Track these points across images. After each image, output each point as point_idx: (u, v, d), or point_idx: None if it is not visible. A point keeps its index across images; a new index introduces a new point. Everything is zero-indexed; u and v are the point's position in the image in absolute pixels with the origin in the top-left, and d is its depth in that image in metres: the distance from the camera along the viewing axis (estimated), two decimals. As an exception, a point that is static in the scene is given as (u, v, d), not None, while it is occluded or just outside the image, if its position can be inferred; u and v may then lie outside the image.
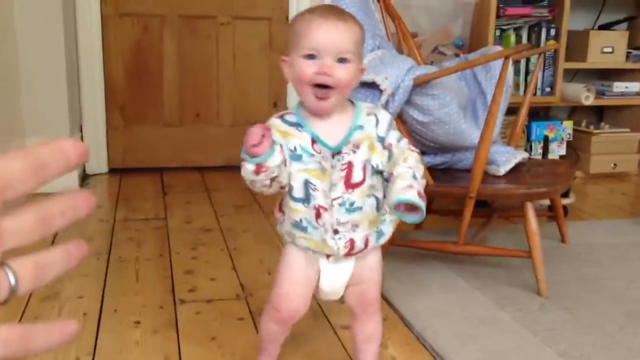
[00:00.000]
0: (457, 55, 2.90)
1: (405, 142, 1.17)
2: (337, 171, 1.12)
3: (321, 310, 1.68)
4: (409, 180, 1.10)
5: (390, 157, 1.15)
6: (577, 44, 3.26)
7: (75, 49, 2.98)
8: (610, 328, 1.66)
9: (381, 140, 1.15)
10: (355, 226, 1.14)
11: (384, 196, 1.16)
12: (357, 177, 1.13)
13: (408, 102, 1.81)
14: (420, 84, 1.77)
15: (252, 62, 3.25)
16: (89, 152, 0.37)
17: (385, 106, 1.78)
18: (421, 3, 3.10)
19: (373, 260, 1.23)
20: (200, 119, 3.25)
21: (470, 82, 2.14)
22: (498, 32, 3.06)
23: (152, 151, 3.22)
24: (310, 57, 1.08)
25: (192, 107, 3.24)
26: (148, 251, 2.12)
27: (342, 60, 1.08)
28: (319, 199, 1.12)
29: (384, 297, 1.81)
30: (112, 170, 3.16)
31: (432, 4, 3.13)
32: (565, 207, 2.54)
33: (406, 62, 1.80)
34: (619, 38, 3.29)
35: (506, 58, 1.73)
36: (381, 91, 1.74)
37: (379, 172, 1.16)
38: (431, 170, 1.97)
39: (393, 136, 1.15)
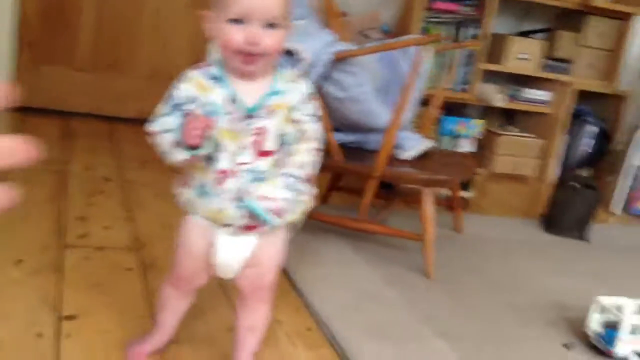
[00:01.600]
0: (381, 39, 2.94)
1: (313, 127, 1.10)
2: (248, 134, 1.06)
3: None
4: (280, 188, 1.06)
5: (297, 132, 1.09)
6: (497, 47, 3.37)
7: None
8: (487, 314, 1.75)
9: (296, 110, 1.09)
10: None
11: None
12: (269, 145, 1.07)
13: (326, 76, 1.82)
14: (341, 59, 1.78)
15: (176, 16, 3.16)
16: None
17: (305, 76, 1.78)
18: (354, -17, 3.11)
19: (277, 244, 1.17)
20: (115, 68, 3.14)
21: (390, 67, 2.17)
22: (425, 25, 3.12)
23: (61, 94, 3.08)
24: (237, 21, 1.01)
25: (108, 54, 3.12)
26: (42, 193, 2.04)
27: (271, 25, 1.02)
28: (224, 162, 1.06)
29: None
30: (15, 108, 3.01)
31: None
32: (465, 200, 2.64)
33: (327, 36, 1.81)
34: (536, 46, 3.43)
35: (419, 45, 1.77)
36: (300, 60, 1.74)
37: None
38: (342, 147, 1.99)
39: (305, 110, 1.10)
